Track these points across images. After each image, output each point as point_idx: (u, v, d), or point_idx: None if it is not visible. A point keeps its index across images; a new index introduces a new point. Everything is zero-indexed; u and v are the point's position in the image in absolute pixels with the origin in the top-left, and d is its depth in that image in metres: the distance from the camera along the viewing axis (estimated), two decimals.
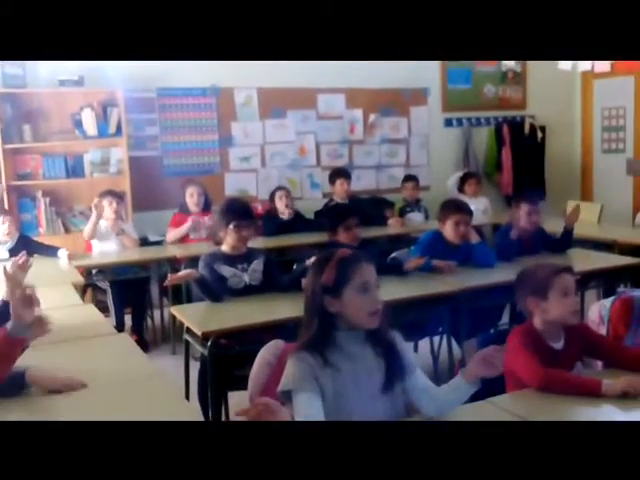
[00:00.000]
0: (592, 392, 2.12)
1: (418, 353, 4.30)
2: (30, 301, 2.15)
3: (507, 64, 6.18)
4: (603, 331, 2.78)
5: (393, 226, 5.98)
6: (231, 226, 3.57)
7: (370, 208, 6.36)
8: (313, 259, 2.31)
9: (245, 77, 6.49)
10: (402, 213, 6.33)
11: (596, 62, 5.27)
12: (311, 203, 6.61)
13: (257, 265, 3.67)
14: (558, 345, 2.46)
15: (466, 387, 2.03)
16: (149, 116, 6.26)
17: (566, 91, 8.12)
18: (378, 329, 2.05)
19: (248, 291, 3.60)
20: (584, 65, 5.29)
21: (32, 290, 2.19)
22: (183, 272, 3.67)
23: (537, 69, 7.67)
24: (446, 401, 2.06)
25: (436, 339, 4.27)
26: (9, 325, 2.13)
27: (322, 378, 1.95)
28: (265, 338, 2.48)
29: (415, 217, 6.34)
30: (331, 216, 4.18)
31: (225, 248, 3.65)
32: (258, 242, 5.25)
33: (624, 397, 2.07)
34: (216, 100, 6.50)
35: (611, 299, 2.82)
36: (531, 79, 7.89)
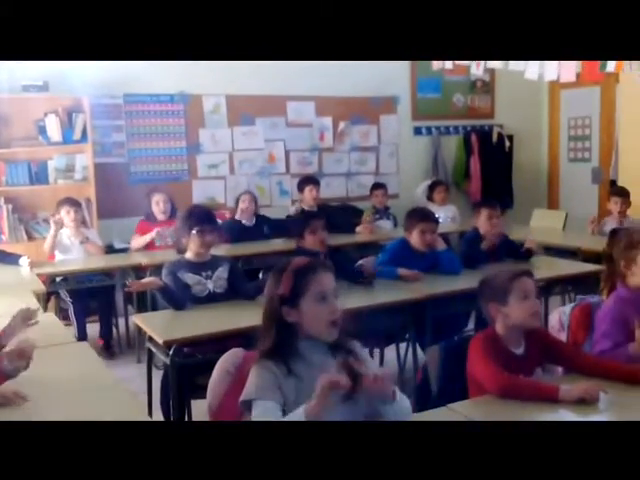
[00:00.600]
0: (549, 398, 2.12)
1: (385, 360, 4.30)
2: (25, 354, 2.17)
3: (476, 73, 6.21)
4: (563, 337, 2.79)
5: (362, 233, 5.98)
6: (194, 231, 3.53)
7: (339, 216, 6.36)
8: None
9: (214, 84, 6.48)
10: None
11: (562, 72, 5.29)
12: (280, 210, 6.58)
13: (222, 272, 3.63)
14: (519, 350, 2.46)
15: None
16: (116, 122, 6.20)
17: (533, 101, 8.22)
18: (340, 338, 2.04)
19: (212, 299, 3.56)
20: (550, 75, 5.32)
21: (29, 344, 2.21)
22: (145, 280, 3.63)
23: (505, 79, 7.74)
24: (405, 407, 2.05)
25: (403, 346, 4.26)
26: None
27: (285, 387, 1.93)
28: (229, 346, 2.44)
29: (384, 225, 6.36)
30: (297, 221, 4.16)
31: (189, 255, 3.61)
32: (225, 249, 5.24)
33: (581, 403, 2.08)
34: (184, 107, 6.46)
35: (571, 306, 2.84)
36: (499, 89, 7.98)
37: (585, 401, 2.09)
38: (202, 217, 3.62)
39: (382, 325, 3.79)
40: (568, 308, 2.86)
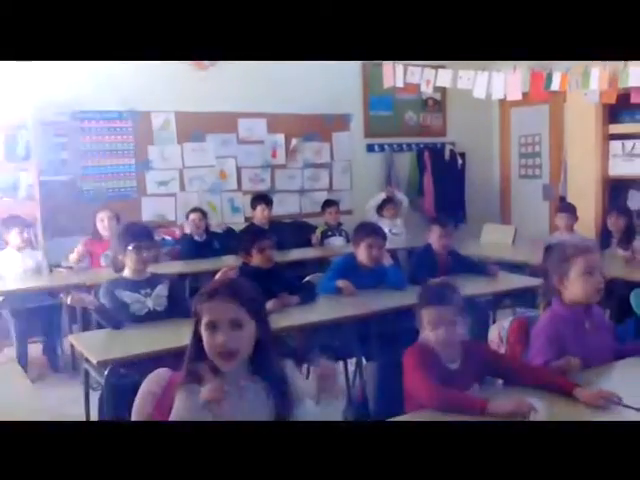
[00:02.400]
0: (478, 411, 2.11)
1: None
2: None
3: (426, 92, 6.26)
4: (502, 351, 2.79)
5: (313, 250, 5.98)
6: (130, 247, 3.47)
7: (292, 232, 6.34)
8: None
9: (163, 100, 6.41)
10: (324, 237, 6.33)
11: (509, 91, 5.37)
12: (232, 227, 6.53)
13: (161, 290, 3.56)
14: (454, 365, 2.46)
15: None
16: (61, 140, 6.08)
17: (485, 119, 8.32)
18: (265, 359, 1.99)
19: (152, 317, 3.49)
20: (497, 93, 5.40)
21: None
22: (83, 295, 3.55)
23: (456, 97, 7.82)
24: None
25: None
26: None
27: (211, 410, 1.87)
28: (167, 366, 2.38)
29: (336, 241, 6.34)
30: (245, 237, 4.12)
31: (127, 273, 3.54)
32: (173, 266, 5.18)
33: (511, 417, 2.06)
34: (132, 124, 6.38)
35: (509, 320, 2.84)
36: (451, 107, 8.06)
37: (515, 416, 2.07)
38: (138, 233, 3.55)
39: (327, 341, 3.78)
40: (507, 322, 2.86)
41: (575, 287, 2.64)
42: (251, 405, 1.95)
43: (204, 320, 1.92)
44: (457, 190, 8.00)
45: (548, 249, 2.87)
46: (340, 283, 3.98)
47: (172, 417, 1.88)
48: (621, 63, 4.95)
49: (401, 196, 7.07)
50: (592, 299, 2.66)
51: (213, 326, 1.91)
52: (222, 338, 1.89)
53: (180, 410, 1.88)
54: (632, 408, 2.11)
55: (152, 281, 3.57)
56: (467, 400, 2.20)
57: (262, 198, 6.31)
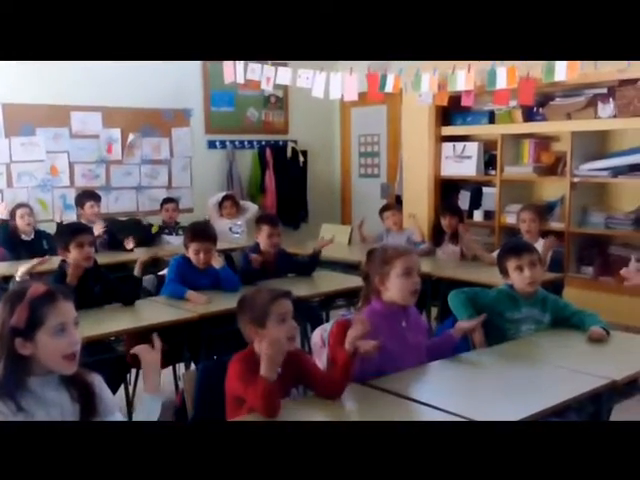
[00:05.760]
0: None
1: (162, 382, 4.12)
2: None
3: (267, 89, 6.21)
4: (325, 354, 2.80)
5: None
6: None
7: (126, 231, 6.09)
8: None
9: None
10: (159, 235, 6.15)
11: (345, 91, 5.44)
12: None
13: None
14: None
15: None
16: None
17: (326, 118, 8.43)
18: (77, 371, 1.92)
19: None
20: (335, 93, 5.46)
21: None
22: None
23: (298, 95, 7.85)
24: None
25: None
26: None
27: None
28: None
29: (173, 240, 6.17)
30: (62, 233, 3.89)
31: None
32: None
33: None
34: None
35: (332, 322, 2.86)
36: (293, 105, 8.09)
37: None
38: None
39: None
40: (329, 325, 2.87)
41: (394, 287, 2.74)
42: (60, 417, 1.88)
43: (51, 324, 1.85)
44: (299, 188, 8.07)
45: (370, 253, 2.93)
46: (189, 295, 3.86)
47: None
48: (450, 68, 5.14)
49: (249, 204, 6.98)
50: (407, 300, 2.77)
51: (62, 329, 1.87)
52: (73, 338, 1.89)
53: None
54: None
55: None
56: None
57: (89, 195, 6.02)
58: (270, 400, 2.20)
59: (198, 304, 3.80)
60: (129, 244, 5.41)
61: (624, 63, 4.15)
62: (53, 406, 1.87)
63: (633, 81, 5.33)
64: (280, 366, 2.32)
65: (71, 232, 3.74)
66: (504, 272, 3.25)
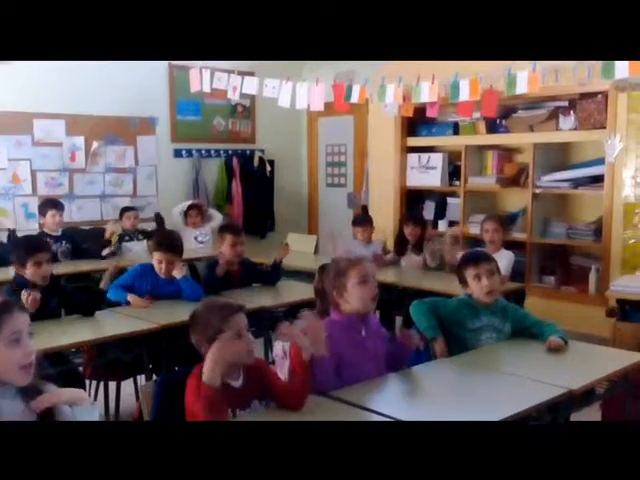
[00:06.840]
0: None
1: (122, 395, 4.08)
2: None
3: (233, 98, 6.18)
4: (286, 365, 2.79)
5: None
6: None
7: (89, 240, 6.03)
8: None
9: None
10: (119, 242, 6.06)
11: (311, 101, 5.45)
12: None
13: None
14: (237, 383, 2.46)
15: None
16: None
17: (293, 127, 8.42)
18: (33, 380, 1.90)
19: None
20: (301, 103, 5.46)
21: None
22: None
23: (265, 105, 7.84)
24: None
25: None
26: None
27: None
28: None
29: (135, 246, 6.08)
30: (20, 248, 3.78)
31: None
32: None
33: None
34: None
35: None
36: (260, 114, 8.07)
37: None
38: None
39: (117, 357, 3.64)
40: None
41: (353, 297, 2.76)
42: None
43: (5, 334, 1.84)
44: (266, 198, 8.05)
45: (322, 268, 2.94)
46: (130, 298, 3.83)
47: None
48: (415, 79, 5.18)
49: (215, 213, 6.95)
50: (368, 307, 2.79)
51: (16, 339, 1.86)
52: (28, 349, 1.88)
53: None
54: None
55: None
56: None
57: (52, 203, 5.88)
58: (209, 402, 2.21)
59: (139, 308, 3.81)
60: (105, 251, 5.52)
61: (585, 76, 4.21)
62: (9, 417, 1.84)
63: (593, 94, 5.42)
64: (232, 375, 2.35)
65: (30, 249, 3.65)
66: (463, 282, 3.28)
